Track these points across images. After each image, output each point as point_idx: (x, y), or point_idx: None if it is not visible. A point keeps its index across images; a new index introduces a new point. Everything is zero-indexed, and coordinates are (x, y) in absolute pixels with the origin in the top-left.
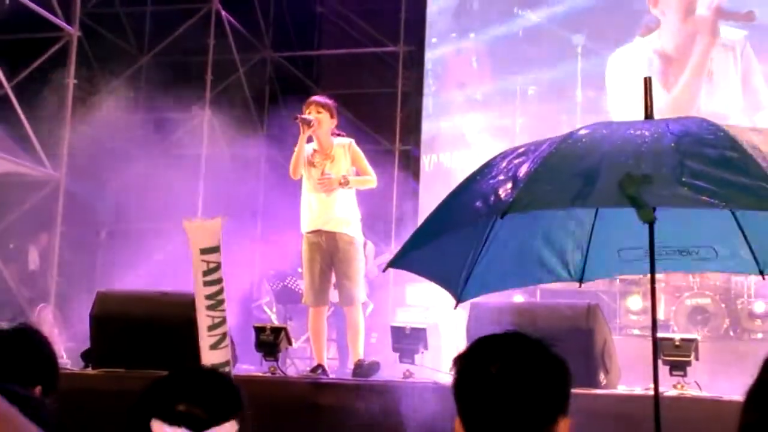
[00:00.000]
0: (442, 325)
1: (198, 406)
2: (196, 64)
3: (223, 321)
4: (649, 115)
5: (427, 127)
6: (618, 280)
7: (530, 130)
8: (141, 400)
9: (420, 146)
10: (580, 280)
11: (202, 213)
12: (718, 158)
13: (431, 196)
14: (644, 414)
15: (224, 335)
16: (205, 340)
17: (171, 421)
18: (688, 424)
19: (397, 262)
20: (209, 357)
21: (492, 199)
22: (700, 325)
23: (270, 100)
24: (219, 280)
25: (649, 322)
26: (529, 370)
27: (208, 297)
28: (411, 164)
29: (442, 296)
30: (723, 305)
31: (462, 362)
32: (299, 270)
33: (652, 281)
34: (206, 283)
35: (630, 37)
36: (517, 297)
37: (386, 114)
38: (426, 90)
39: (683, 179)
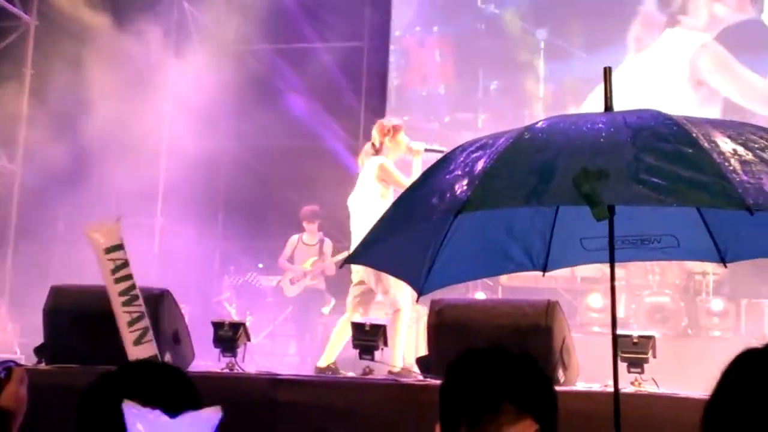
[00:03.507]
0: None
1: (151, 401)
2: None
3: (142, 316)
4: (608, 106)
5: None
6: (579, 279)
7: (492, 125)
8: (87, 395)
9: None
10: (544, 269)
11: (161, 206)
12: (673, 153)
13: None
14: (602, 411)
15: (146, 330)
16: (128, 336)
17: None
18: (645, 420)
19: (356, 258)
20: (135, 352)
21: (448, 196)
22: (659, 323)
23: (233, 94)
24: (129, 276)
25: (608, 319)
26: (505, 378)
27: (122, 293)
28: None
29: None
30: (682, 303)
31: (452, 367)
32: (259, 266)
33: (612, 271)
34: (117, 281)
35: (594, 32)
36: (479, 294)
37: (350, 108)
38: (389, 84)
39: (638, 176)
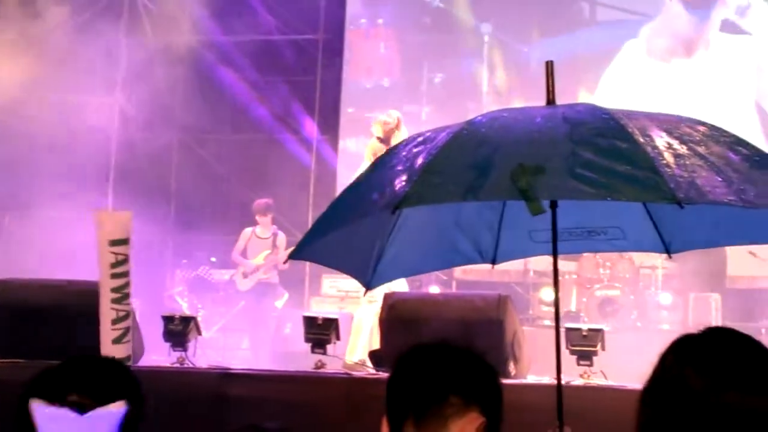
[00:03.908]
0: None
1: (83, 393)
2: (108, 48)
3: (128, 315)
4: (550, 100)
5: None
6: (532, 273)
7: (436, 118)
8: (28, 389)
9: (338, 134)
10: (493, 262)
11: (112, 200)
12: (608, 148)
13: (346, 183)
14: (552, 403)
15: (128, 330)
16: (108, 333)
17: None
18: (593, 412)
19: (299, 253)
20: (110, 350)
21: (388, 191)
22: (610, 316)
23: (184, 84)
24: (126, 273)
25: (560, 313)
26: (444, 366)
27: (115, 290)
28: (328, 152)
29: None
30: (631, 297)
31: (402, 361)
32: (212, 259)
33: (555, 263)
34: (113, 276)
35: (538, 25)
36: (433, 288)
37: (305, 101)
38: (344, 77)
39: (574, 170)
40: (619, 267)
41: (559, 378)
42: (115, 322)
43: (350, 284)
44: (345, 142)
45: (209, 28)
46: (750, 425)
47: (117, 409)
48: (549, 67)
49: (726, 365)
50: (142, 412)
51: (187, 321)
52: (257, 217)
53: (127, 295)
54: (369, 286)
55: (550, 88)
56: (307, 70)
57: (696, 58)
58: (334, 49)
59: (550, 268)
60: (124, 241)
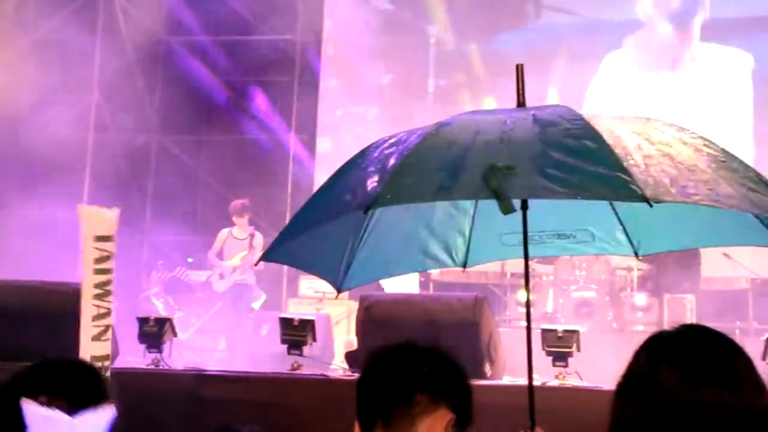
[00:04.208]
0: (335, 316)
1: (60, 397)
2: (84, 47)
3: (109, 312)
4: (521, 102)
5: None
6: (509, 275)
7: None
8: (1, 392)
9: (316, 134)
10: (464, 266)
11: (87, 200)
12: (578, 148)
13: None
14: (526, 404)
15: (108, 328)
16: (88, 330)
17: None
18: (568, 413)
19: (270, 255)
20: (90, 348)
21: (360, 191)
22: (586, 318)
23: (162, 85)
24: (110, 270)
25: (537, 315)
26: (414, 363)
27: (97, 286)
28: (306, 152)
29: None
30: (607, 298)
31: (371, 363)
32: (189, 260)
33: (526, 265)
34: (97, 272)
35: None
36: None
37: (283, 103)
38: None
39: (545, 170)
40: (595, 268)
41: (530, 379)
42: (96, 318)
43: (328, 286)
44: (323, 142)
45: (187, 29)
46: (721, 420)
47: (107, 412)
48: (519, 70)
49: (698, 362)
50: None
51: (163, 322)
52: (234, 218)
53: (109, 293)
54: (340, 288)
55: (520, 91)
56: (285, 70)
57: (683, 70)
58: (312, 49)
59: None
60: (109, 238)
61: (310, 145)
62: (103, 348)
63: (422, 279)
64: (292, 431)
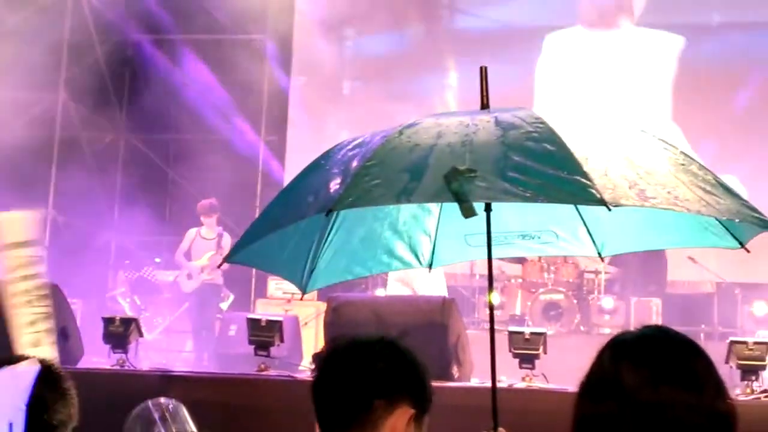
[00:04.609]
0: (304, 317)
1: None
2: (51, 45)
3: (48, 315)
4: (484, 104)
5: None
6: (478, 276)
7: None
8: None
9: (286, 134)
10: (430, 266)
11: (53, 199)
12: (539, 151)
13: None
14: (505, 405)
15: (48, 331)
16: (26, 337)
17: None
18: (535, 414)
19: (234, 256)
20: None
21: (322, 194)
22: (554, 320)
23: (130, 84)
24: (38, 275)
25: (506, 317)
26: (369, 359)
27: (27, 292)
28: (276, 152)
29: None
30: (575, 301)
31: (322, 360)
32: (156, 260)
33: (489, 266)
34: (24, 278)
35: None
36: (380, 291)
37: (254, 102)
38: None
39: (506, 173)
40: (564, 272)
41: (493, 380)
42: (32, 324)
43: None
44: (292, 143)
45: (156, 27)
46: (682, 420)
47: (30, 368)
48: (483, 72)
49: (659, 362)
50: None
51: (128, 323)
52: (202, 218)
53: (43, 296)
54: (305, 290)
55: (484, 93)
56: (255, 70)
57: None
58: (282, 49)
59: (497, 271)
60: (25, 243)
61: (280, 145)
62: (46, 352)
63: None
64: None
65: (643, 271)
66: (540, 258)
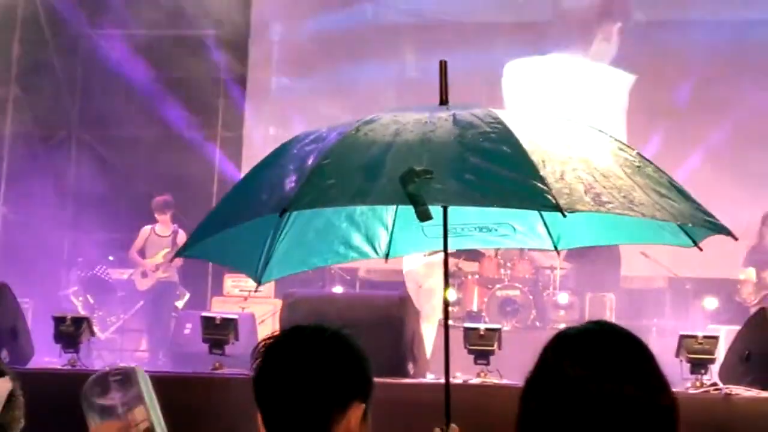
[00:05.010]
0: (261, 315)
1: None
2: (2, 40)
3: None
4: (443, 100)
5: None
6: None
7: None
8: None
9: (243, 130)
10: (387, 257)
11: (4, 197)
12: (495, 153)
13: None
14: (459, 401)
15: None
16: None
17: None
18: (489, 409)
19: (187, 251)
20: None
21: (277, 192)
22: (510, 316)
23: (83, 79)
24: None
25: (463, 313)
26: (316, 360)
27: None
28: (232, 148)
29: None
30: (531, 297)
31: (264, 352)
32: (110, 258)
33: (445, 258)
34: None
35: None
36: (337, 288)
37: (209, 99)
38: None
39: (462, 175)
40: (520, 268)
41: (447, 376)
42: None
43: (253, 284)
44: (249, 139)
45: (110, 22)
46: (624, 414)
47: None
48: (442, 66)
49: (602, 357)
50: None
51: (80, 322)
52: (156, 215)
53: None
54: (260, 281)
55: (443, 88)
56: (211, 66)
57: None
58: (240, 46)
59: (453, 268)
60: None
61: (237, 142)
62: None
63: (348, 277)
64: (212, 431)
65: (597, 267)
66: (497, 254)
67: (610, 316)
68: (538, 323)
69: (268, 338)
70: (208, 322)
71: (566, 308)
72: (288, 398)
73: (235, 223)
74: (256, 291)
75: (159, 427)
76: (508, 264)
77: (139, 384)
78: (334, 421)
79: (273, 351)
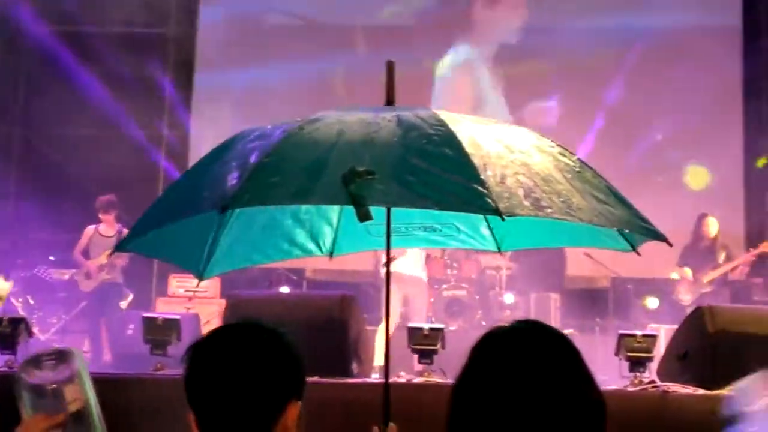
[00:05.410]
0: (206, 315)
1: None
2: None
3: None
4: (390, 101)
5: None
6: (382, 273)
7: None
8: None
9: (189, 129)
10: (330, 254)
11: None
12: (436, 156)
13: None
14: (394, 401)
15: None
16: None
17: None
18: (430, 408)
19: (127, 245)
20: None
21: (218, 188)
22: (456, 316)
23: (27, 76)
24: None
25: (409, 314)
26: (254, 358)
27: None
28: (178, 148)
29: (207, 287)
30: (477, 297)
31: (195, 352)
32: (51, 258)
33: (387, 257)
34: None
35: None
36: (284, 288)
37: (156, 97)
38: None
39: (403, 177)
40: (466, 268)
41: (386, 375)
42: None
43: (200, 285)
44: (196, 138)
45: (55, 18)
46: (552, 410)
47: None
48: (389, 66)
49: (528, 354)
50: None
51: (17, 323)
52: (100, 215)
53: None
54: (202, 277)
55: (390, 89)
56: (159, 63)
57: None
58: (186, 43)
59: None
60: None
61: (183, 141)
62: None
63: (295, 277)
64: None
65: (542, 267)
66: (443, 254)
67: (555, 316)
68: (483, 323)
69: (198, 338)
70: (150, 323)
71: (512, 308)
72: (226, 399)
73: (176, 219)
74: (197, 286)
75: (94, 407)
76: (455, 264)
77: (73, 364)
78: (273, 422)
79: (202, 350)
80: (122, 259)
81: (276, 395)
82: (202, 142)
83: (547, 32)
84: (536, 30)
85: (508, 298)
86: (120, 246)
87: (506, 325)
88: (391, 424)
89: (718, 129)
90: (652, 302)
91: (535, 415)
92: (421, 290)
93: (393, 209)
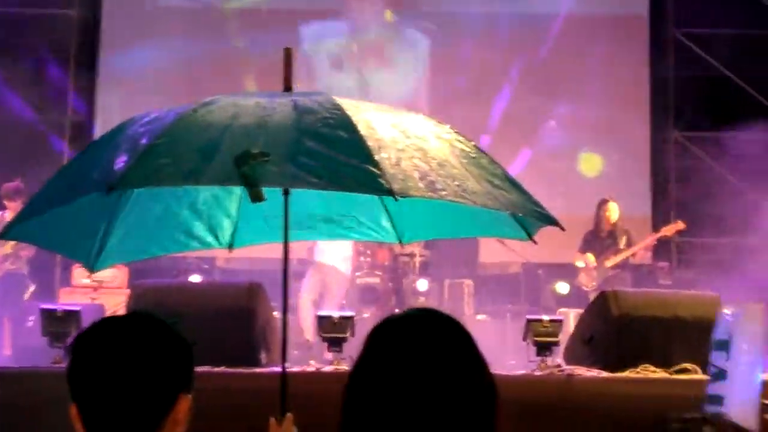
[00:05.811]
0: (113, 306)
1: None
2: None
3: None
4: (287, 87)
5: None
6: (296, 261)
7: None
8: None
9: (94, 116)
10: (230, 247)
11: None
12: (331, 138)
13: None
14: (300, 390)
15: None
16: None
17: None
18: (333, 397)
19: (10, 232)
20: None
21: (107, 170)
22: (370, 303)
23: None
24: None
25: (324, 303)
26: (141, 350)
27: None
28: (84, 135)
29: (114, 277)
30: (390, 284)
31: (78, 344)
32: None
33: (285, 249)
34: None
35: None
36: (194, 277)
37: (57, 82)
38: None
39: (297, 158)
40: (380, 255)
41: (283, 364)
42: None
43: (105, 274)
44: (101, 122)
45: None
46: (445, 395)
47: None
48: (287, 54)
49: (421, 339)
50: None
51: None
52: (5, 202)
53: None
54: (93, 268)
55: (288, 75)
56: (62, 46)
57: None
58: (90, 25)
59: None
60: None
61: (88, 126)
62: None
63: (206, 266)
64: (52, 425)
65: (456, 254)
66: (356, 242)
67: (469, 302)
68: (397, 310)
69: (81, 330)
70: (49, 315)
71: (425, 295)
72: (110, 394)
73: (62, 203)
74: (88, 277)
75: None
76: (368, 252)
77: None
78: (162, 416)
79: (85, 343)
80: (28, 250)
81: (163, 388)
82: (107, 127)
83: (453, 14)
84: (441, 13)
85: (422, 284)
86: (3, 233)
87: (400, 312)
88: (288, 414)
89: (625, 116)
90: (562, 287)
91: (427, 400)
92: (339, 280)
93: (292, 201)
